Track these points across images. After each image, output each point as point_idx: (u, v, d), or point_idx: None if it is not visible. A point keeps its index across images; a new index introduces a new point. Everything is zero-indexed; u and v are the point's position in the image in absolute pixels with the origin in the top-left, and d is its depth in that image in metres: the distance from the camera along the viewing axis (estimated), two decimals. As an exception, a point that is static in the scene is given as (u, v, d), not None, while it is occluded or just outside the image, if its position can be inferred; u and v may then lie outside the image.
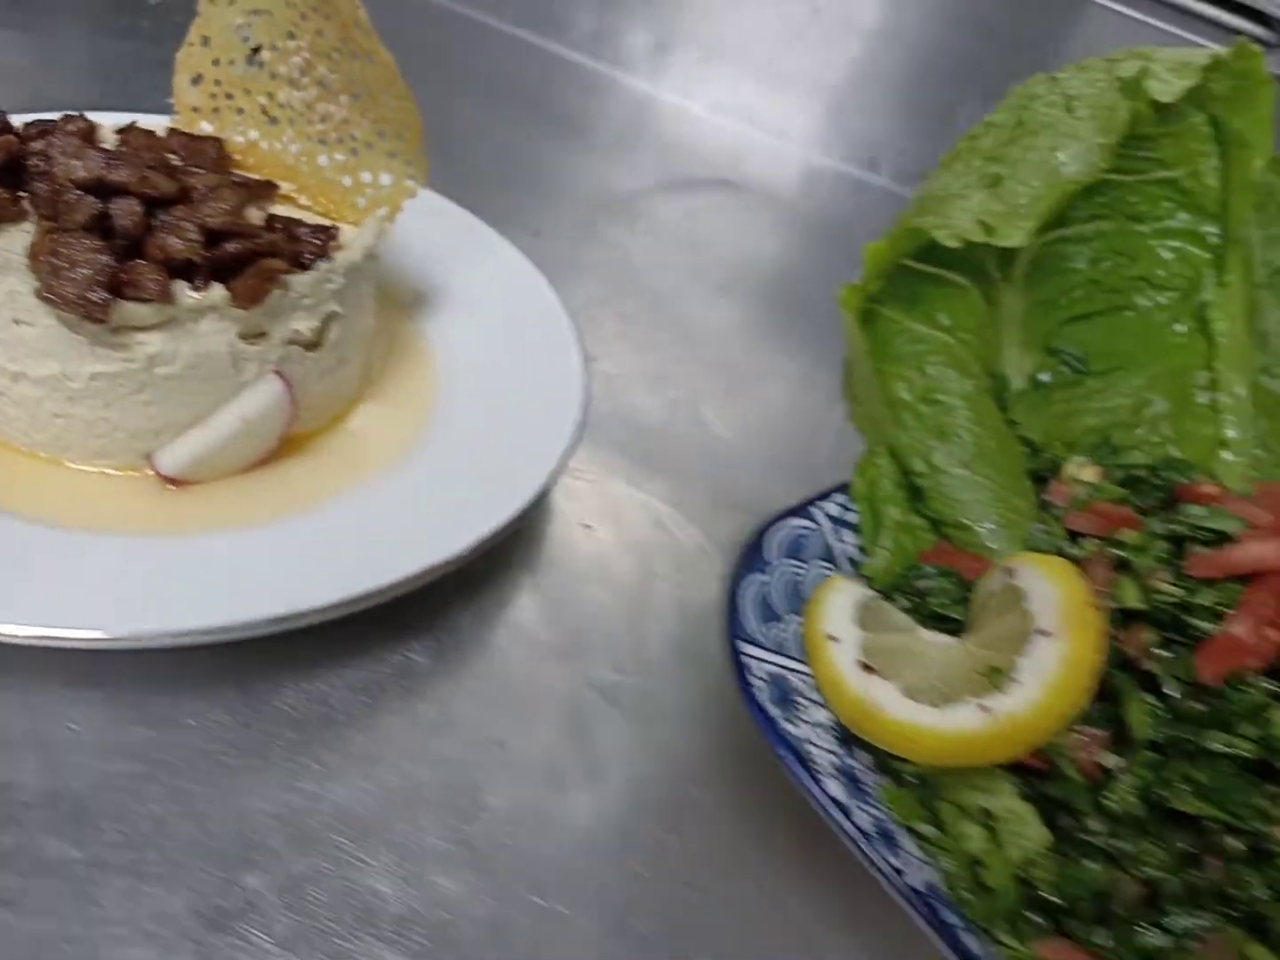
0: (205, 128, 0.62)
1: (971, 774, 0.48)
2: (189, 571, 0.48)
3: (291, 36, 0.57)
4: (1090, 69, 0.66)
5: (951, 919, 0.41)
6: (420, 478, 0.56)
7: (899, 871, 0.41)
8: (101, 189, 0.48)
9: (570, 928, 0.46)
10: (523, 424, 0.60)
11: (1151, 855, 0.44)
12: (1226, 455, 0.67)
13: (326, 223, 0.57)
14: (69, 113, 0.55)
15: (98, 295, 0.45)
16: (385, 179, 0.59)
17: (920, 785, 0.47)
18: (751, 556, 0.50)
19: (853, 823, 0.42)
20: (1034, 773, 0.47)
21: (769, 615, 0.49)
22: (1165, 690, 0.47)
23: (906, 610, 0.53)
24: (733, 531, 0.52)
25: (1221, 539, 0.51)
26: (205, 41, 0.60)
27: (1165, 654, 0.47)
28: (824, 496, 0.56)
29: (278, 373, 0.53)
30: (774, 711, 0.44)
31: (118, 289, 0.47)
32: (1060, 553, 0.53)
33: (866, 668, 0.46)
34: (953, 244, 0.58)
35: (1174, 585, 0.49)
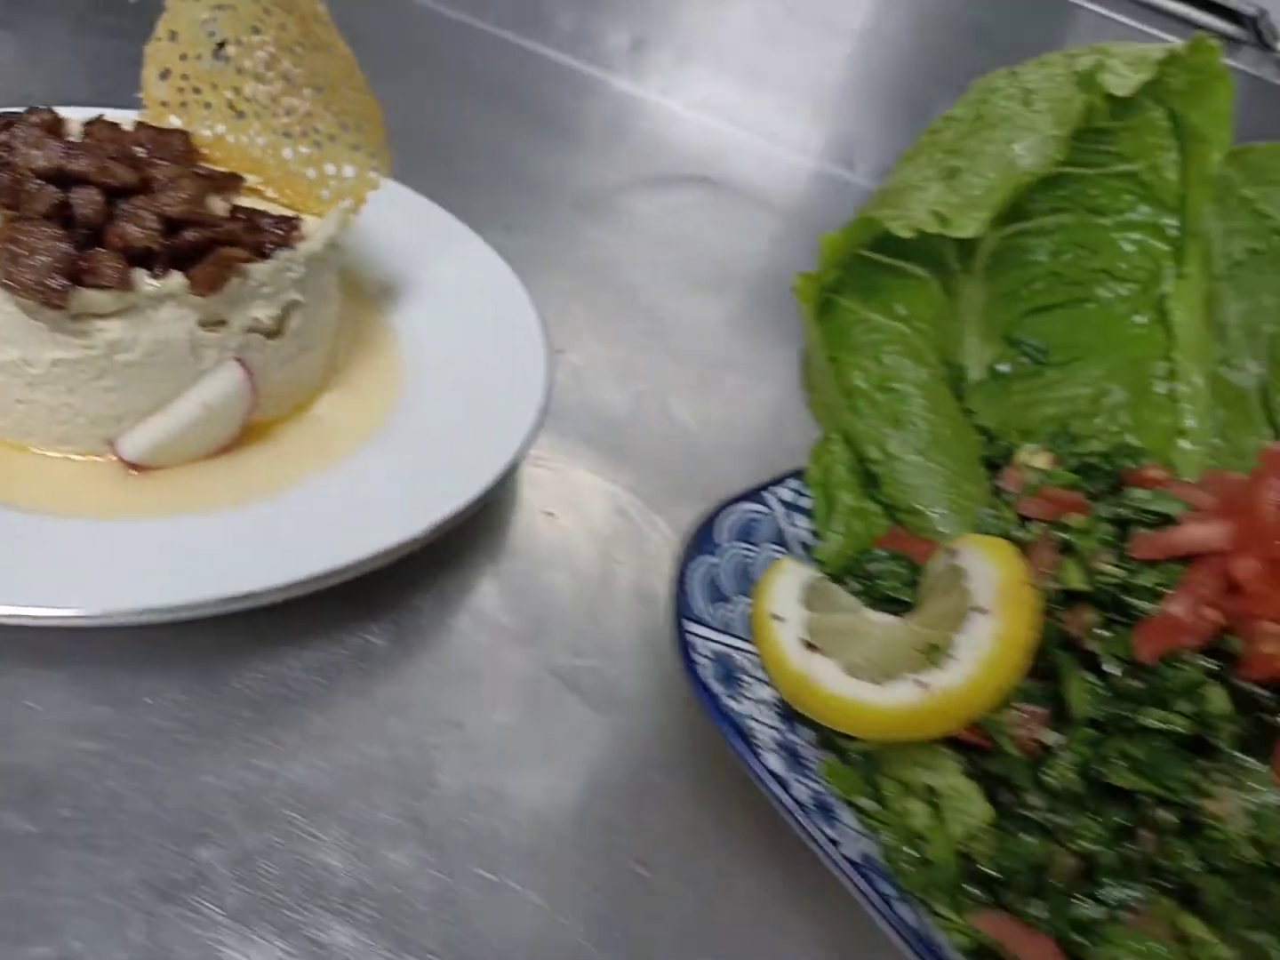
0: (174, 121, 0.63)
1: (916, 752, 0.48)
2: (149, 553, 0.49)
3: (256, 31, 0.58)
4: (1050, 64, 0.67)
5: (886, 889, 0.42)
6: (381, 464, 0.57)
7: (834, 842, 0.42)
8: (62, 179, 0.49)
9: (520, 902, 0.46)
10: (485, 412, 0.61)
11: (1088, 829, 0.45)
12: (1184, 444, 0.68)
13: (289, 213, 0.58)
14: (35, 105, 0.56)
15: (56, 282, 0.46)
16: (349, 171, 0.60)
17: (865, 762, 0.48)
18: (701, 539, 0.51)
19: (790, 795, 0.42)
20: (977, 750, 0.48)
21: (717, 596, 0.50)
22: (1105, 669, 0.48)
23: (857, 593, 0.54)
24: (695, 520, 0.53)
25: (1164, 521, 0.51)
26: (173, 36, 0.61)
27: (1106, 634, 0.48)
28: (777, 482, 0.57)
29: (238, 360, 0.54)
30: (717, 688, 0.45)
31: (77, 276, 0.48)
32: (1007, 536, 0.53)
33: (809, 646, 0.47)
34: (906, 234, 0.59)
35: (1116, 567, 0.50)
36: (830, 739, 0.49)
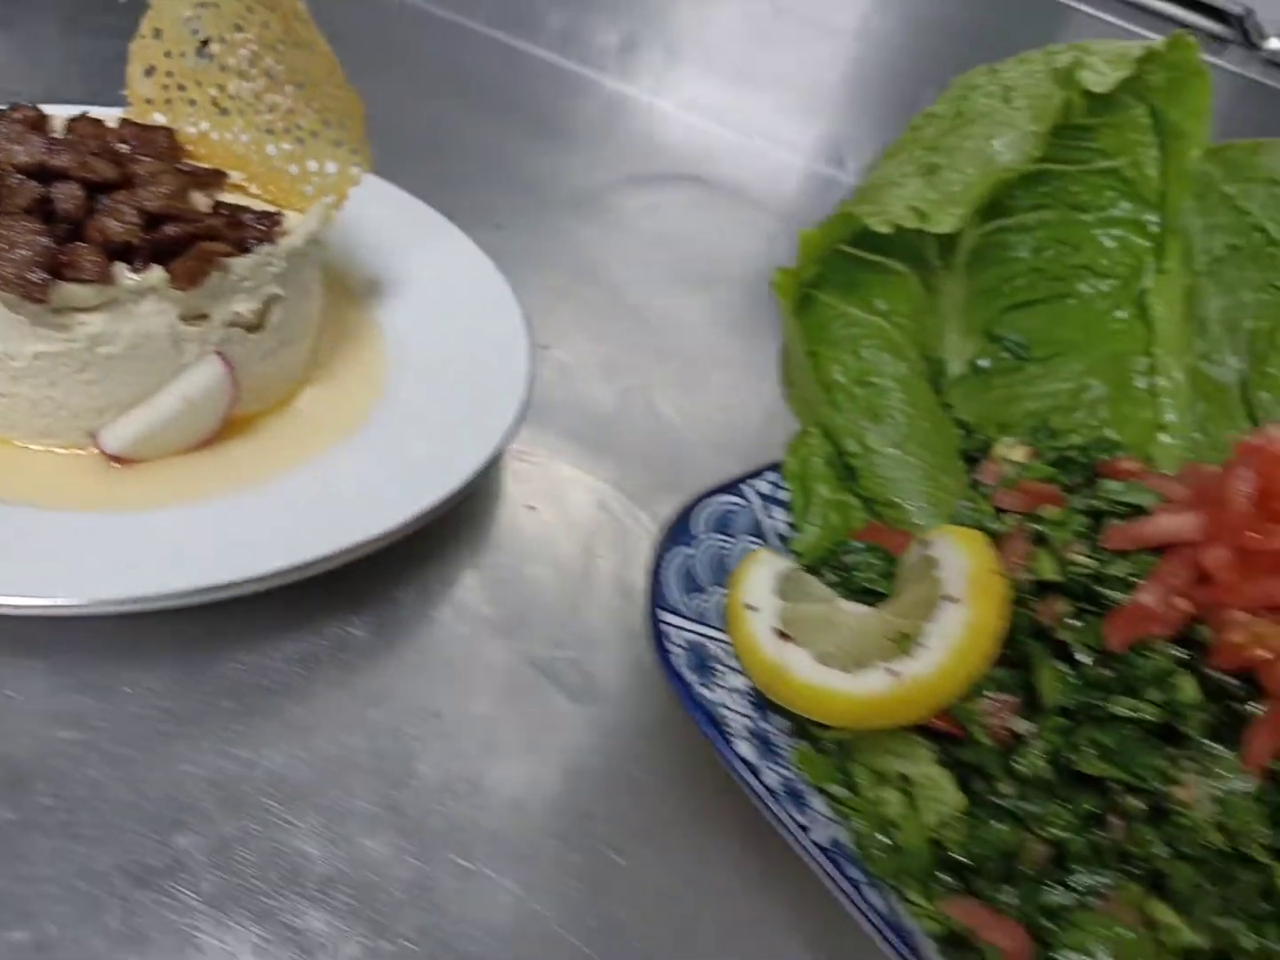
0: (158, 119, 0.63)
1: (890, 740, 0.49)
2: (130, 544, 0.50)
3: (239, 29, 0.59)
4: (1030, 61, 0.68)
5: (856, 875, 0.42)
6: (363, 457, 0.57)
7: (804, 828, 0.42)
8: (43, 174, 0.50)
9: (494, 889, 0.47)
10: (467, 406, 0.61)
11: (1058, 816, 0.46)
12: (1164, 438, 0.68)
13: (272, 209, 0.59)
14: (17, 102, 0.56)
15: (37, 276, 0.47)
16: (331, 167, 0.61)
17: (838, 751, 0.49)
18: (678, 531, 0.52)
19: (761, 781, 0.43)
20: (950, 739, 0.49)
21: (692, 586, 0.50)
22: (1076, 657, 0.48)
23: (834, 585, 0.55)
24: (672, 512, 0.53)
25: (1137, 513, 0.52)
26: (157, 34, 0.62)
27: (1077, 623, 0.49)
28: (756, 475, 0.57)
29: (219, 353, 0.54)
30: (690, 676, 0.46)
31: (58, 270, 0.48)
32: (981, 527, 0.54)
33: (782, 635, 0.47)
34: (884, 229, 0.59)
35: (1089, 557, 0.50)
36: (804, 727, 0.49)
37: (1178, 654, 0.47)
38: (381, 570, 0.58)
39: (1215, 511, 0.49)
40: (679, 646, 0.47)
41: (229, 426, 0.58)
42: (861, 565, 0.56)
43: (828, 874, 0.41)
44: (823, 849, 0.42)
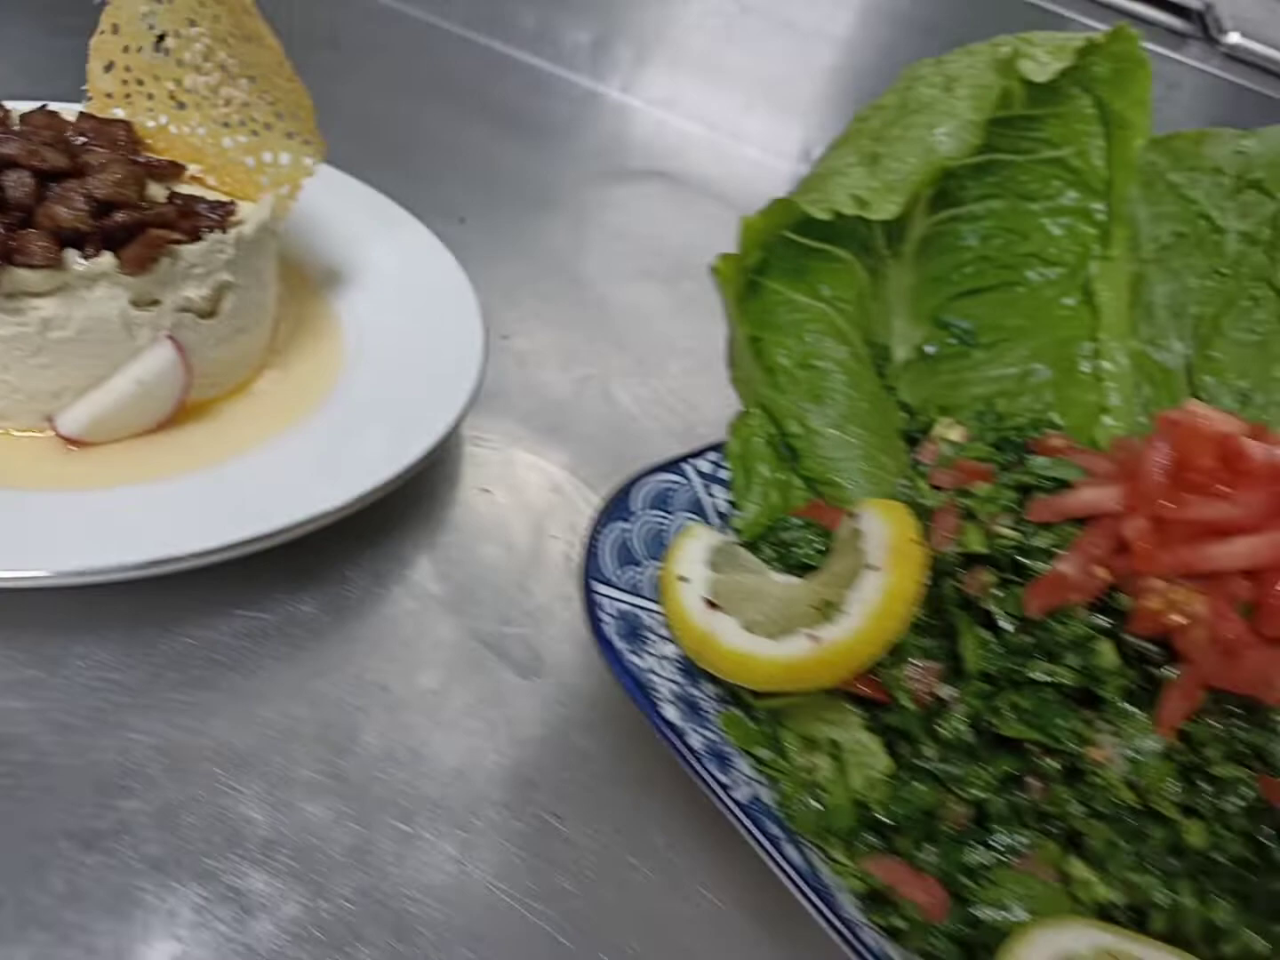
0: (118, 113, 0.65)
1: (821, 708, 0.50)
2: (83, 520, 0.51)
3: (192, 23, 0.60)
4: (975, 52, 0.69)
5: (774, 831, 0.43)
6: (315, 440, 0.59)
7: (725, 787, 0.44)
8: (-4, 163, 0.52)
9: (434, 853, 0.48)
10: (420, 392, 0.63)
11: (978, 778, 0.47)
12: (1108, 421, 0.70)
13: (226, 199, 0.60)
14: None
15: (-12, 261, 0.49)
16: (285, 159, 0.62)
17: (770, 718, 0.50)
18: (615, 506, 0.53)
19: (685, 742, 0.44)
20: (879, 705, 0.50)
21: (627, 559, 0.52)
22: (1000, 625, 0.49)
23: (771, 560, 0.56)
24: (611, 489, 0.55)
25: (1062, 487, 0.53)
26: (115, 29, 0.63)
27: (1001, 593, 0.50)
28: (697, 454, 0.59)
29: (171, 338, 0.56)
30: (620, 644, 0.47)
31: (9, 255, 0.50)
32: (915, 504, 0.55)
33: (711, 604, 0.49)
34: (823, 216, 0.61)
35: (1014, 530, 0.52)
36: (738, 696, 0.51)
37: (1099, 621, 0.48)
38: (334, 549, 0.59)
39: (1133, 483, 0.50)
40: (610, 615, 0.48)
41: (186, 411, 0.59)
42: (800, 541, 0.57)
43: (747, 829, 0.42)
44: (742, 806, 0.43)
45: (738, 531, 0.58)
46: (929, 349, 0.70)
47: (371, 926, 0.45)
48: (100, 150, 0.56)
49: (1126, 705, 0.47)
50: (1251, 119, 0.74)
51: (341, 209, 0.74)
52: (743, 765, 0.46)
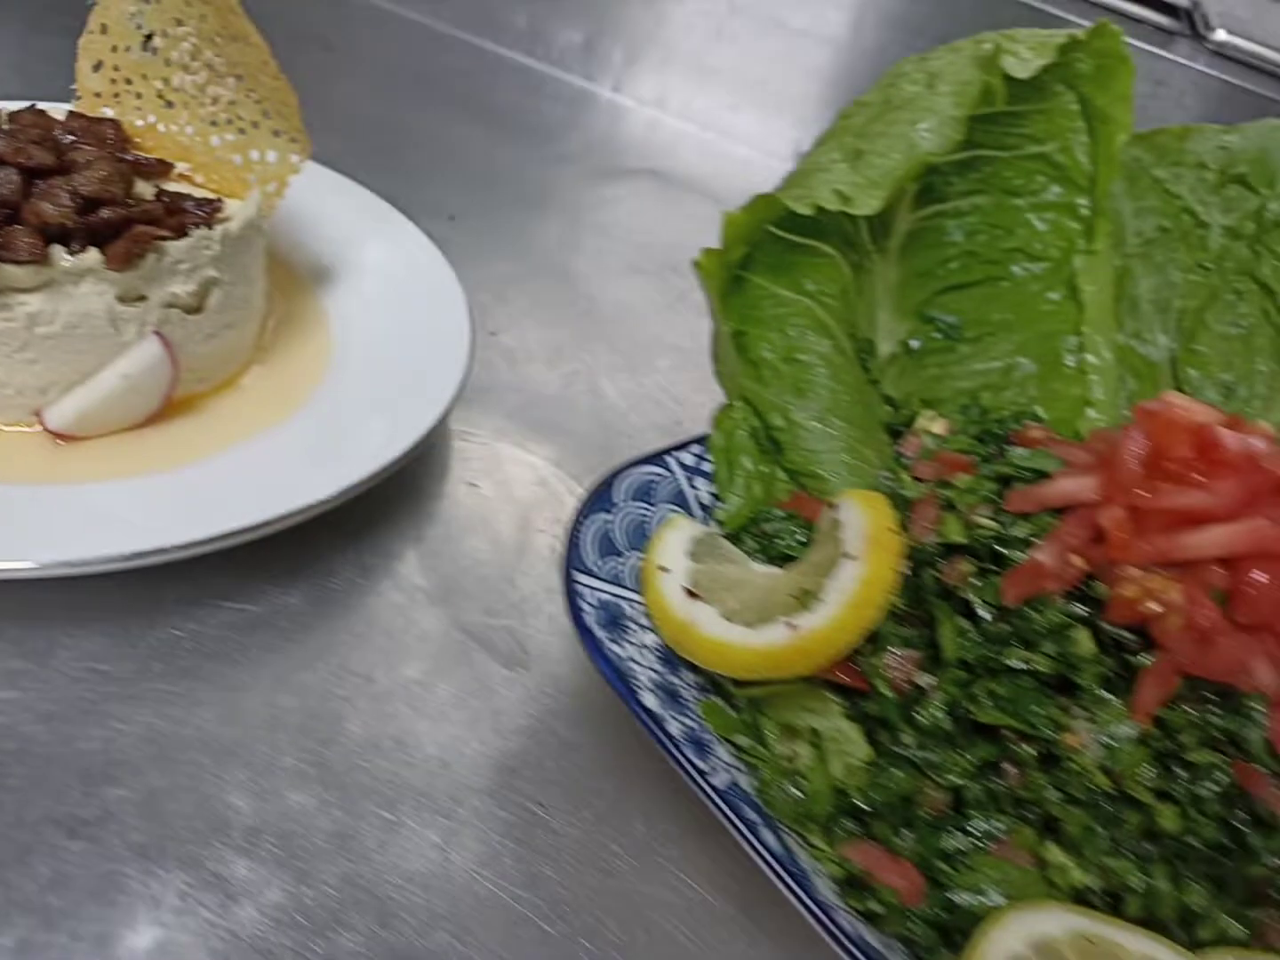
0: (107, 112, 0.65)
1: (802, 697, 0.51)
2: (71, 512, 0.52)
3: (179, 23, 0.61)
4: (958, 49, 0.70)
5: (751, 816, 0.44)
6: (301, 434, 0.59)
7: (702, 772, 0.44)
8: (-18, 161, 0.52)
9: (417, 840, 0.49)
10: (407, 387, 0.63)
11: (955, 764, 0.47)
12: (1092, 414, 0.70)
13: (213, 196, 0.61)
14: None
15: (-26, 257, 0.49)
16: (272, 156, 0.63)
17: (750, 707, 0.51)
18: (598, 498, 0.54)
19: (663, 729, 0.45)
20: (859, 694, 0.50)
21: (609, 550, 0.52)
22: (978, 614, 0.50)
23: (754, 552, 0.57)
24: (594, 480, 0.55)
25: (1041, 477, 0.54)
26: (104, 29, 0.64)
27: (979, 582, 0.51)
28: (680, 447, 0.59)
29: (158, 334, 0.56)
30: (600, 633, 0.48)
31: (-6, 252, 0.50)
32: (896, 495, 0.56)
33: (691, 594, 0.49)
34: (806, 211, 0.61)
35: (993, 520, 0.52)
36: (719, 685, 0.51)
37: (1076, 610, 0.48)
38: (320, 543, 0.60)
39: (1110, 472, 0.51)
40: (591, 605, 0.49)
41: (174, 406, 0.60)
42: (782, 533, 0.58)
43: (723, 814, 0.43)
44: (719, 792, 0.44)
45: (720, 523, 0.58)
46: (914, 343, 0.70)
47: (354, 912, 0.45)
48: (87, 148, 0.56)
49: (1103, 692, 0.47)
50: (1239, 116, 0.74)
51: (330, 207, 0.75)
52: (721, 752, 0.47)
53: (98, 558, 0.49)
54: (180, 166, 0.65)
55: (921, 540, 0.52)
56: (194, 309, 0.58)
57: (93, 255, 0.53)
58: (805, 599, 0.48)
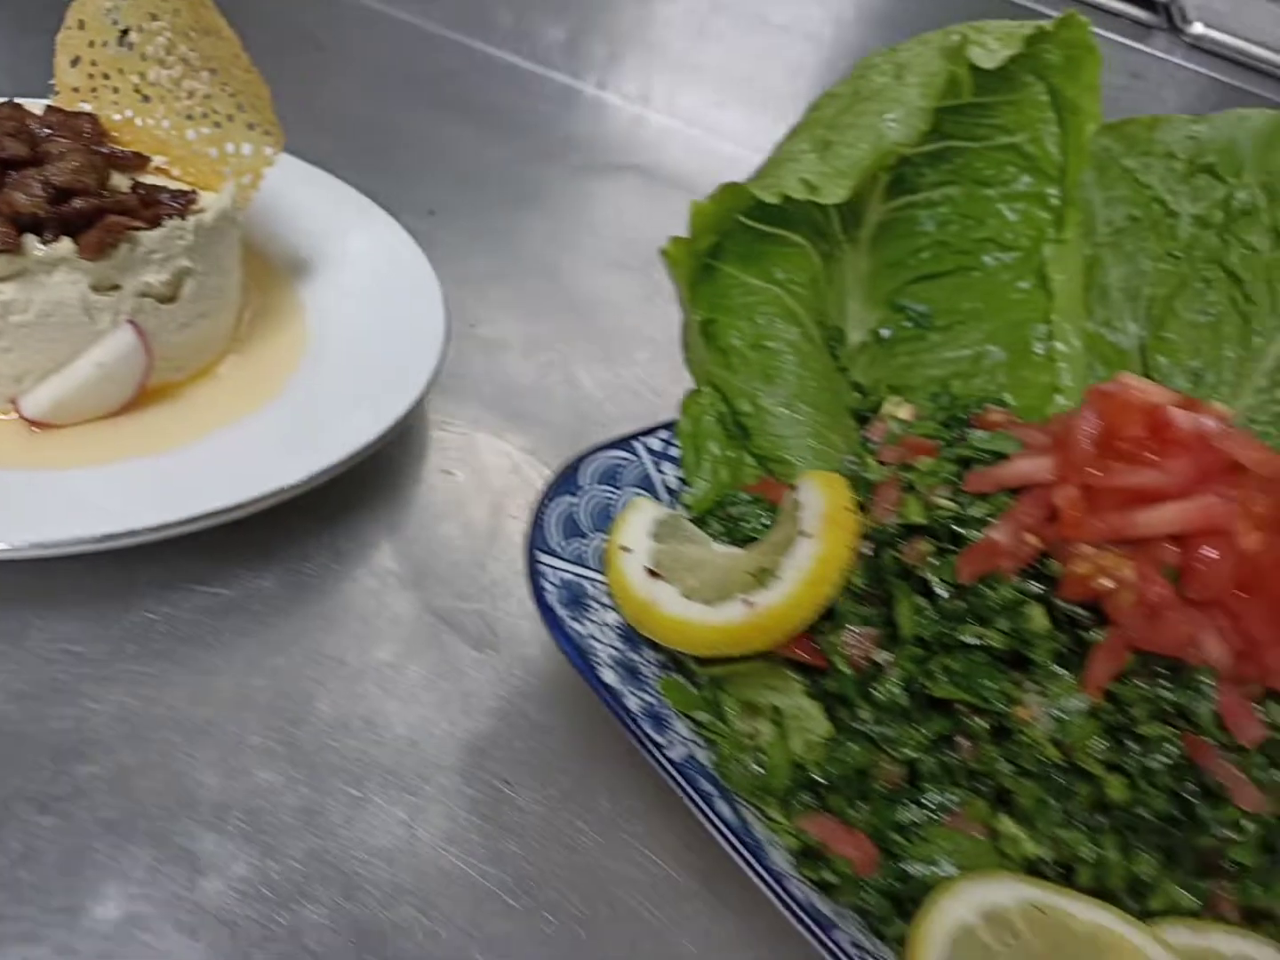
0: (85, 107, 0.66)
1: (764, 675, 0.52)
2: (46, 497, 0.53)
3: (154, 18, 0.62)
4: (927, 41, 0.71)
5: (707, 788, 0.45)
6: (275, 422, 0.60)
7: (659, 745, 0.45)
8: (-44, 154, 0.53)
9: (384, 817, 0.50)
10: (381, 375, 0.64)
11: (911, 738, 0.48)
12: (1061, 400, 0.71)
13: (188, 189, 0.62)
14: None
15: (-52, 246, 0.50)
16: (246, 149, 0.64)
17: (712, 685, 0.52)
18: (563, 481, 0.55)
19: (621, 704, 0.46)
20: (820, 672, 0.51)
21: (573, 532, 0.53)
22: (935, 592, 0.51)
23: (719, 535, 0.57)
24: (560, 464, 0.56)
25: (999, 459, 0.55)
26: (81, 25, 0.65)
27: (937, 562, 0.52)
28: (648, 432, 0.60)
29: (132, 323, 0.57)
30: (561, 611, 0.49)
31: (-33, 242, 0.51)
32: (859, 478, 0.57)
33: (652, 573, 0.50)
34: (772, 200, 0.62)
35: (951, 501, 0.53)
36: (681, 664, 0.52)
37: (1031, 587, 0.49)
38: (296, 529, 0.61)
39: (1063, 453, 0.51)
40: (553, 584, 0.50)
41: (149, 394, 0.61)
42: (747, 516, 0.58)
43: (678, 784, 0.44)
44: (675, 764, 0.44)
45: (687, 507, 0.59)
46: (884, 332, 0.71)
47: (320, 886, 0.46)
48: (62, 140, 0.57)
49: (1056, 667, 0.48)
50: (1216, 109, 0.75)
51: (310, 201, 0.76)
52: (680, 727, 0.48)
53: (70, 539, 0.50)
54: (157, 160, 0.65)
55: (883, 521, 0.53)
56: (168, 298, 0.59)
57: (65, 245, 0.54)
58: (763, 577, 0.49)
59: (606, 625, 0.50)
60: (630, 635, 0.50)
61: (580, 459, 0.56)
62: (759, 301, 0.66)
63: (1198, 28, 1.09)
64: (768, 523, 0.58)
